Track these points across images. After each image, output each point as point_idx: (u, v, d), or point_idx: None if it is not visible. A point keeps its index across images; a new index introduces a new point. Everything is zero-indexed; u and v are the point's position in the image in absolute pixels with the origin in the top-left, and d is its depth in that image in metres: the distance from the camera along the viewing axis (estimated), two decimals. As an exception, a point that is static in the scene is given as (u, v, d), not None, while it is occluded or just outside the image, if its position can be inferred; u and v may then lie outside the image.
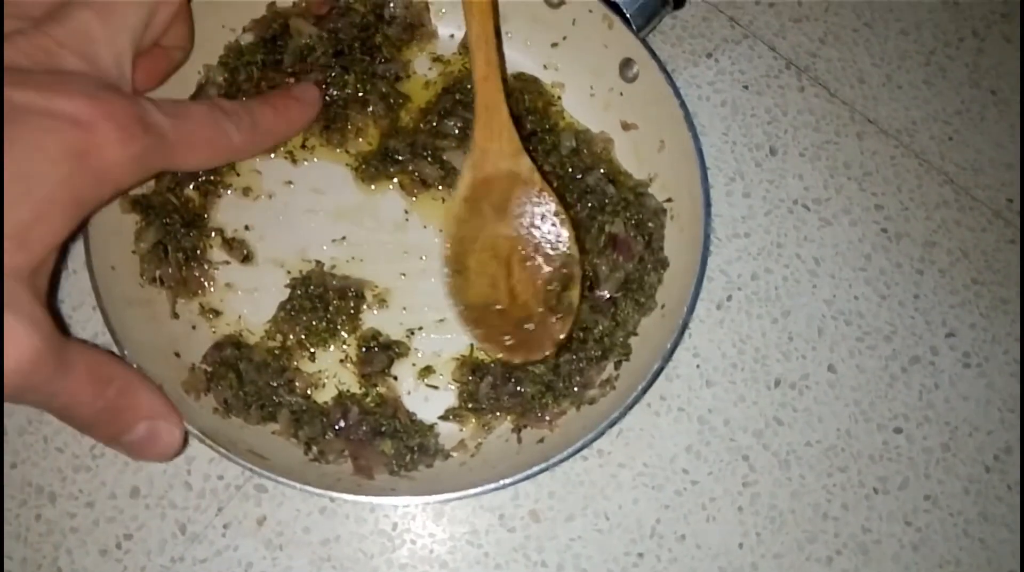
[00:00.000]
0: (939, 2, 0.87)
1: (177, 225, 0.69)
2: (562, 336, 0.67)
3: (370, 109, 0.74)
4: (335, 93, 0.73)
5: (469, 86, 0.71)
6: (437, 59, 0.77)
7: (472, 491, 0.61)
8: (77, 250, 0.70)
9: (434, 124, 0.74)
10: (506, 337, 0.67)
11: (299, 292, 0.70)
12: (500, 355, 0.68)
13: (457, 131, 0.73)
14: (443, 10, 0.77)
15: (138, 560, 0.65)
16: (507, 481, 0.60)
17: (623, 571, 0.67)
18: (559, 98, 0.77)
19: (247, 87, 0.72)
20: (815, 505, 0.70)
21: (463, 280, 0.68)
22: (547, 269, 0.68)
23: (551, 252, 0.68)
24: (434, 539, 0.67)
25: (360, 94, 0.74)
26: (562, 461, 0.61)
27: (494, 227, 0.68)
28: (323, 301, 0.70)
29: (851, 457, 0.71)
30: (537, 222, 0.68)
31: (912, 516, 0.70)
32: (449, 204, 0.69)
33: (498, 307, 0.68)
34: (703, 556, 0.68)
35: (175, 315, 0.69)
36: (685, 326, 0.64)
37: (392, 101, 0.75)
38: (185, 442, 0.58)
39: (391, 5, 0.75)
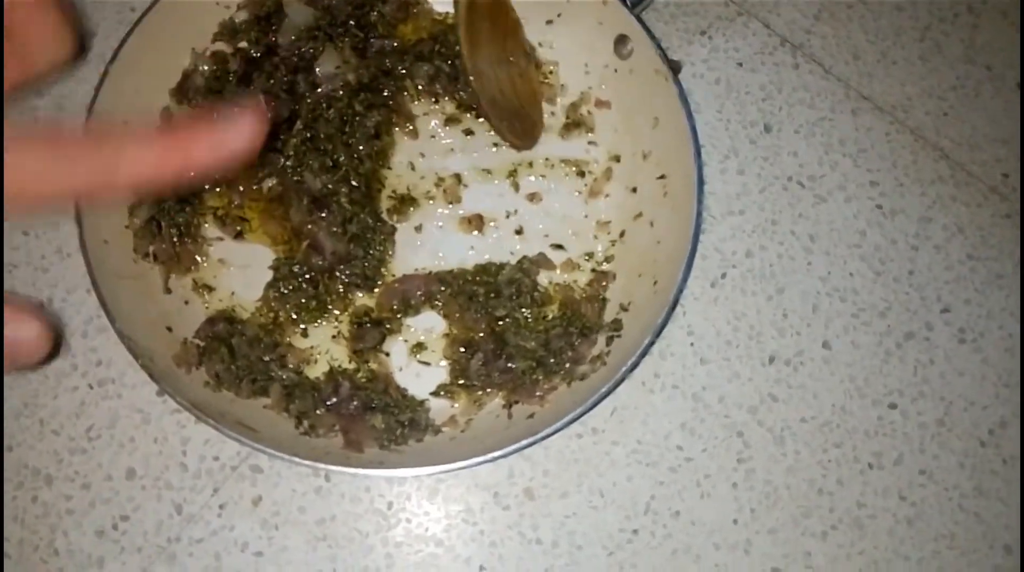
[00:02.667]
0: (934, -23, 0.86)
1: (171, 201, 0.69)
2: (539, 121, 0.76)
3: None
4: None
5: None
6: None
7: (461, 464, 0.61)
8: (71, 231, 0.70)
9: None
10: (515, 124, 0.73)
11: (284, 272, 0.70)
12: (513, 141, 0.74)
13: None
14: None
15: (135, 540, 0.65)
16: (496, 454, 0.61)
17: (618, 547, 0.67)
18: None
19: (230, 90, 0.72)
20: (810, 481, 0.70)
21: (480, 79, 0.71)
22: (516, 69, 0.74)
23: (516, 55, 0.75)
24: (429, 517, 0.67)
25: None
26: (551, 435, 0.61)
27: (482, 35, 0.71)
28: (311, 281, 0.70)
29: (846, 433, 0.71)
30: (505, 31, 0.74)
31: (907, 491, 0.71)
32: (457, 22, 0.70)
33: (500, 101, 0.72)
34: (698, 532, 0.68)
35: (168, 290, 0.69)
36: (676, 302, 0.64)
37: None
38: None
39: None
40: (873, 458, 0.71)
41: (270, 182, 0.72)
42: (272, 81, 0.73)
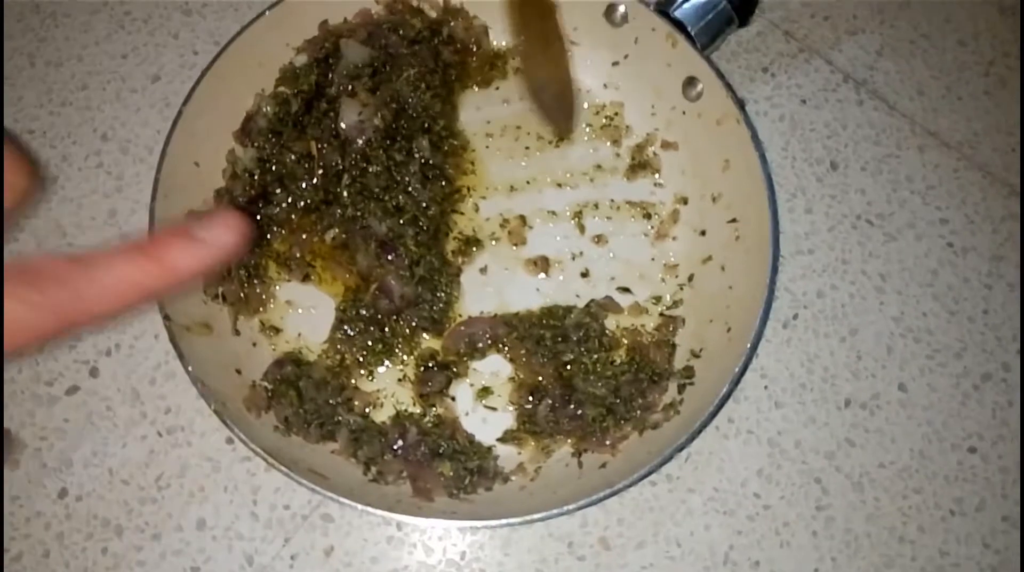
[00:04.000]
0: (996, 12, 0.85)
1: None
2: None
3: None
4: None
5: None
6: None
7: (535, 516, 0.60)
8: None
9: None
10: (556, 107, 0.74)
11: (350, 314, 0.70)
12: (557, 124, 0.75)
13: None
14: (503, 33, 0.77)
15: (206, 593, 0.64)
16: (570, 507, 0.59)
17: (697, 599, 0.66)
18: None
19: (288, 133, 0.72)
20: (891, 528, 0.68)
21: (528, 62, 0.73)
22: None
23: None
24: (503, 568, 0.66)
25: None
26: (627, 487, 0.60)
27: (533, 18, 0.72)
28: (377, 323, 0.70)
29: (926, 478, 0.70)
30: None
31: (990, 538, 0.69)
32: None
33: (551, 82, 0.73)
34: (778, 582, 0.66)
35: (236, 332, 0.68)
36: (754, 349, 0.63)
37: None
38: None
39: (451, 24, 0.75)
40: (954, 504, 0.69)
41: (332, 232, 0.71)
42: (322, 128, 0.72)
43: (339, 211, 0.71)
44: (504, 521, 0.60)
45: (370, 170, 0.71)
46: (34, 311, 0.37)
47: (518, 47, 0.76)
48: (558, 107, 0.74)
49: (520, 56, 0.75)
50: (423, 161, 0.72)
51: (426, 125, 0.73)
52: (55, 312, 0.38)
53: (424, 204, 0.71)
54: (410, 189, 0.71)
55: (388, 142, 0.71)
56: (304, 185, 0.71)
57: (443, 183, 0.73)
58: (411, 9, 0.76)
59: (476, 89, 0.78)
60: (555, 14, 0.74)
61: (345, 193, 0.71)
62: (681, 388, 0.68)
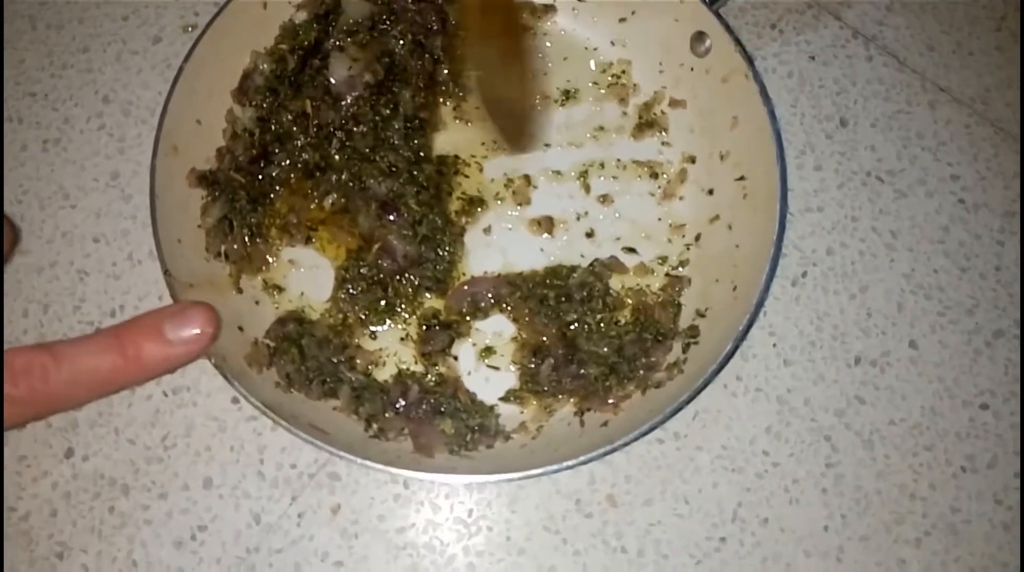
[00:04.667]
0: (1009, -35, 0.84)
1: (243, 201, 0.68)
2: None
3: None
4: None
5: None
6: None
7: (535, 471, 0.59)
8: (142, 238, 0.70)
9: None
10: (512, 125, 0.70)
11: (352, 273, 0.69)
12: (510, 142, 0.72)
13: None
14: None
15: (213, 551, 0.64)
16: (570, 462, 0.59)
17: (705, 556, 0.65)
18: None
19: (284, 93, 0.72)
20: (901, 485, 0.68)
21: (487, 77, 0.68)
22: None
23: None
24: (510, 525, 0.66)
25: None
26: (626, 444, 0.59)
27: (496, 31, 0.67)
28: (380, 282, 0.69)
29: (937, 435, 0.69)
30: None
31: (1002, 494, 0.68)
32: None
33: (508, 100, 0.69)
34: (787, 540, 0.66)
35: (239, 290, 0.68)
36: (759, 308, 0.62)
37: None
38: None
39: None
40: (966, 461, 0.69)
41: (331, 198, 0.71)
42: (315, 85, 0.72)
43: (335, 176, 0.71)
44: (503, 476, 0.59)
45: (356, 130, 0.71)
46: (12, 405, 0.40)
47: (474, 56, 0.71)
48: (514, 127, 0.71)
49: (476, 65, 0.70)
50: (405, 115, 0.72)
51: (410, 78, 0.72)
52: (30, 405, 0.41)
53: (412, 159, 0.71)
54: (394, 142, 0.71)
55: (376, 97, 0.71)
56: (300, 143, 0.71)
57: (424, 137, 0.73)
58: (413, -35, 0.75)
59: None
60: (520, 29, 0.73)
61: (337, 156, 0.71)
62: (686, 347, 0.67)
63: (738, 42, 0.67)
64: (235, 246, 0.68)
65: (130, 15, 0.78)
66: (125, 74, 0.76)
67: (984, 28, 0.82)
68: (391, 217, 0.70)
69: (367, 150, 0.71)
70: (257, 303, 0.69)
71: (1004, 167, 0.77)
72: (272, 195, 0.71)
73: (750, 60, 0.67)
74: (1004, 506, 0.68)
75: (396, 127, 0.72)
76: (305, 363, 0.66)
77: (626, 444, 0.59)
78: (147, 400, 0.67)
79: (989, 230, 0.75)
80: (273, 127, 0.71)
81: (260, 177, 0.70)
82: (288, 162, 0.71)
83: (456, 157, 0.74)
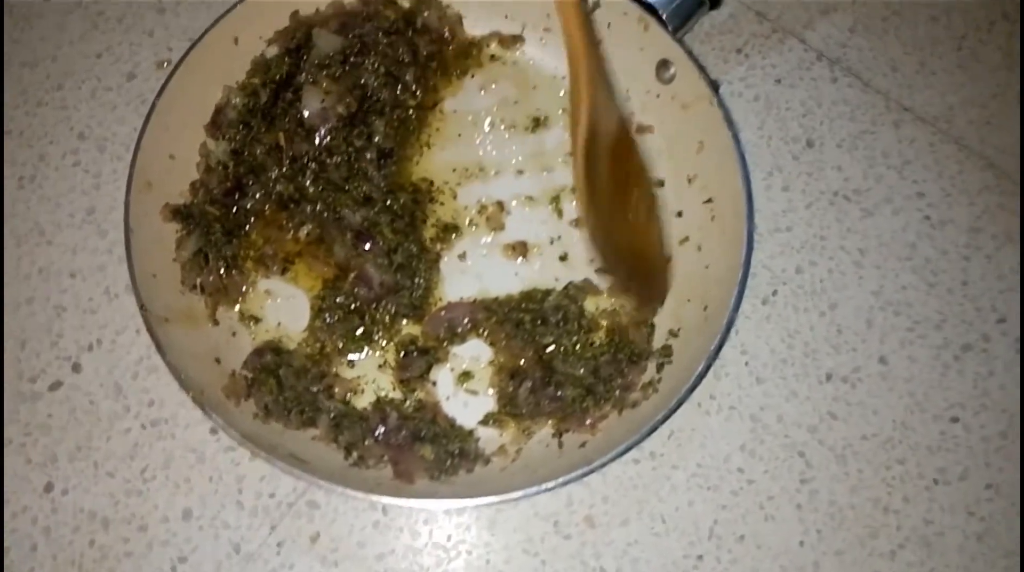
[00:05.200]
0: (968, -14, 0.86)
1: (218, 234, 0.69)
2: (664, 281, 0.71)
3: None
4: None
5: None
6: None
7: (514, 494, 0.60)
8: (119, 273, 0.70)
9: None
10: (634, 282, 0.69)
11: (329, 302, 0.70)
12: (637, 302, 0.69)
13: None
14: (477, 21, 0.77)
15: (193, 583, 0.65)
16: (549, 484, 0.60)
17: (683, 574, 0.66)
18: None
19: (256, 126, 0.72)
20: (875, 500, 0.68)
21: (599, 235, 0.66)
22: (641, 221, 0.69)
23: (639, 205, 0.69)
24: (490, 549, 0.66)
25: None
26: (604, 465, 0.60)
27: (603, 182, 0.65)
28: (357, 310, 0.70)
29: (909, 449, 0.70)
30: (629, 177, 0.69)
31: (975, 506, 0.69)
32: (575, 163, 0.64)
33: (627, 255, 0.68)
34: (763, 556, 0.67)
35: (215, 322, 0.69)
36: (729, 327, 0.63)
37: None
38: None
39: (424, 14, 0.75)
40: (938, 474, 0.69)
41: (305, 229, 0.72)
42: (288, 118, 0.73)
43: (309, 207, 0.72)
44: (483, 500, 0.60)
45: (330, 162, 0.72)
46: None
47: (587, 204, 0.65)
48: (643, 281, 0.69)
49: (587, 212, 0.65)
50: (379, 146, 0.73)
51: (383, 109, 0.73)
52: None
53: (385, 188, 0.72)
54: (369, 172, 0.72)
55: (349, 129, 0.72)
56: (274, 175, 0.72)
57: (394, 167, 0.74)
58: (384, 0, 0.76)
59: (454, 79, 0.78)
60: (637, 153, 0.68)
61: (311, 188, 0.72)
62: (660, 367, 0.68)
63: (702, 69, 0.69)
64: (211, 278, 0.69)
65: (104, 52, 0.79)
66: (100, 110, 0.77)
67: (946, 48, 0.83)
68: (366, 246, 0.71)
69: (341, 180, 0.72)
70: (234, 334, 0.69)
71: (968, 184, 0.78)
72: (247, 227, 0.72)
73: (715, 87, 0.69)
74: (976, 517, 0.68)
75: (370, 157, 0.73)
76: (283, 393, 0.66)
77: (604, 464, 0.60)
78: (125, 433, 0.68)
79: (955, 245, 0.76)
80: (247, 160, 0.72)
81: (235, 209, 0.71)
82: (262, 194, 0.72)
83: (431, 183, 0.75)
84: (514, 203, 0.75)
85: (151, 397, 0.69)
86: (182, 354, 0.63)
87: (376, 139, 0.73)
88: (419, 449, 0.66)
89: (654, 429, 0.60)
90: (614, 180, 0.66)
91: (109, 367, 0.70)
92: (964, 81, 0.82)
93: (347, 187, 0.72)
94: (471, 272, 0.73)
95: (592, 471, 0.60)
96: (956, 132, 0.80)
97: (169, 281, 0.67)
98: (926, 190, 0.78)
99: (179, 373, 0.60)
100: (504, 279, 0.73)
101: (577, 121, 0.62)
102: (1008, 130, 0.80)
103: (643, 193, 0.70)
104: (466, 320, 0.71)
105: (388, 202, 0.72)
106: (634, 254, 0.69)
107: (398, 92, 0.75)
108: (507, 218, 0.75)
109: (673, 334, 0.69)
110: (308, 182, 0.72)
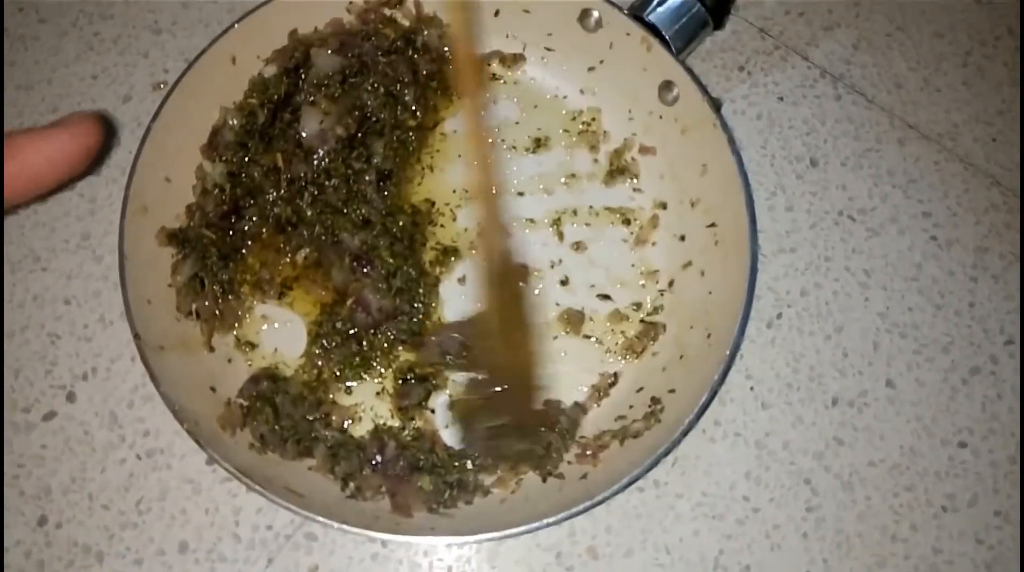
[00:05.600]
0: (972, 1, 0.85)
1: (214, 257, 0.68)
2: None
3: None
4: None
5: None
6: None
7: (513, 531, 0.59)
8: (114, 299, 0.69)
9: None
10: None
11: (326, 328, 0.69)
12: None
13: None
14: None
15: (190, 617, 0.63)
16: (549, 520, 0.59)
17: (688, 606, 0.65)
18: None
19: (254, 147, 0.71)
20: (882, 527, 0.67)
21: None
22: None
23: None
24: (491, 581, 0.65)
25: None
26: (606, 499, 0.59)
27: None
28: (355, 336, 0.69)
29: (916, 475, 0.69)
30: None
31: (984, 533, 0.68)
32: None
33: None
34: (770, 586, 0.65)
35: (211, 348, 0.68)
36: (732, 358, 0.62)
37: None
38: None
39: (424, 33, 0.74)
40: (946, 500, 0.68)
41: (303, 252, 0.71)
42: (286, 139, 0.72)
43: (306, 231, 0.71)
44: (483, 536, 0.59)
45: (328, 184, 0.71)
46: None
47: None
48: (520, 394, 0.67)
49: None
50: (378, 168, 0.72)
51: (383, 130, 0.72)
52: None
53: (384, 211, 0.71)
54: (368, 195, 0.71)
55: (348, 150, 0.71)
56: (271, 198, 0.71)
57: (394, 188, 0.73)
58: (383, 19, 0.75)
59: (455, 99, 0.77)
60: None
61: (309, 211, 0.71)
62: (656, 400, 0.67)
63: (705, 91, 0.68)
64: (207, 304, 0.67)
65: (99, 74, 0.78)
66: (95, 133, 0.76)
67: (951, 64, 0.82)
68: (365, 270, 0.70)
69: (340, 203, 0.71)
70: (229, 361, 0.68)
71: (974, 202, 0.77)
72: (244, 250, 0.71)
73: (717, 109, 0.68)
74: (985, 546, 0.67)
75: (369, 179, 0.72)
76: (279, 422, 0.65)
77: (605, 499, 0.59)
78: (121, 464, 0.67)
79: (962, 266, 0.75)
80: (244, 182, 0.71)
81: (231, 232, 0.70)
82: (259, 217, 0.71)
83: (432, 204, 0.74)
84: (514, 225, 0.74)
85: (146, 426, 0.68)
86: (177, 383, 0.62)
87: (375, 161, 0.72)
88: (417, 480, 0.64)
89: (656, 463, 0.59)
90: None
91: (104, 396, 0.68)
92: (969, 98, 0.81)
93: (345, 210, 0.71)
94: (471, 296, 0.72)
95: (593, 506, 0.58)
96: (961, 150, 0.79)
97: (164, 307, 0.66)
98: (932, 209, 0.77)
99: (173, 404, 0.59)
100: (505, 303, 0.72)
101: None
102: (1014, 147, 0.79)
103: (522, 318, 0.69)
104: (457, 342, 0.70)
105: (387, 225, 0.71)
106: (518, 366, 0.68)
107: (398, 112, 0.74)
108: (507, 241, 0.73)
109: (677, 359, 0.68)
110: (306, 205, 0.71)
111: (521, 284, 0.71)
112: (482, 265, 0.68)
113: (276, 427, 0.65)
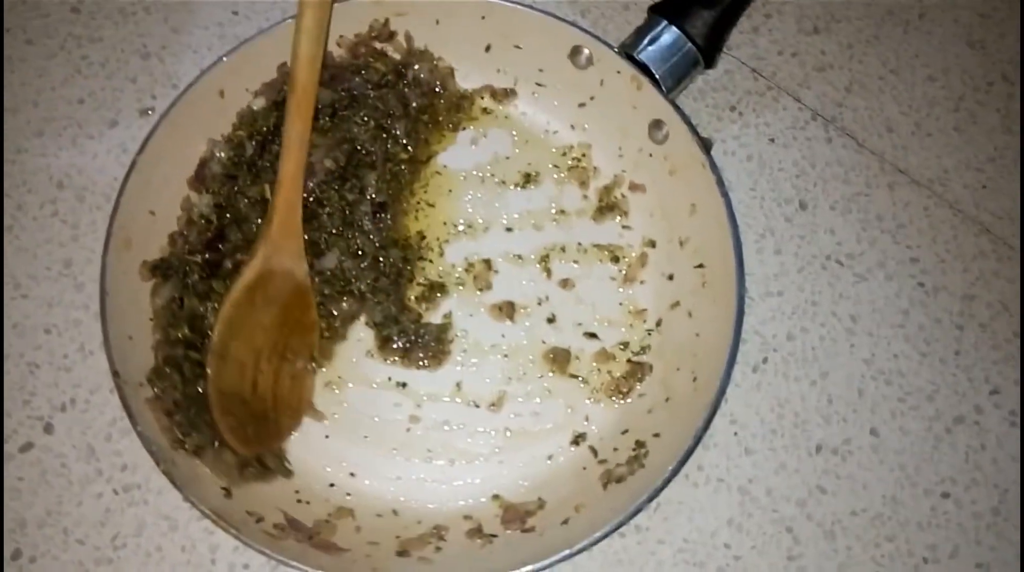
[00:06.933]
0: (965, 46, 0.85)
1: (195, 277, 0.67)
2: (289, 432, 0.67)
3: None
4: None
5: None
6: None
7: None
8: (94, 329, 0.68)
9: None
10: (247, 428, 0.65)
11: None
12: (237, 448, 0.64)
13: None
14: (468, 74, 0.76)
15: (163, 657, 0.63)
16: (529, 569, 0.58)
17: (667, 654, 0.64)
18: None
19: (242, 179, 0.71)
20: (864, 578, 0.67)
21: (221, 364, 0.64)
22: (288, 368, 0.67)
23: (296, 355, 0.68)
24: (469, 626, 0.64)
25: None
26: (587, 548, 0.59)
27: (259, 318, 0.66)
28: None
29: (898, 525, 0.69)
30: (294, 325, 0.68)
31: (965, 586, 0.68)
32: (231, 290, 0.66)
33: (242, 397, 0.65)
34: (750, 636, 0.65)
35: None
36: (718, 404, 0.62)
37: None
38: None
39: (415, 67, 0.74)
40: (928, 552, 0.68)
41: None
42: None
43: None
44: None
45: (322, 212, 0.70)
46: None
47: (219, 339, 0.65)
48: (249, 430, 0.65)
49: (214, 353, 0.64)
50: (372, 200, 0.71)
51: (374, 162, 0.72)
52: None
53: (377, 243, 0.70)
54: (364, 227, 0.70)
55: (341, 182, 0.70)
56: (256, 227, 0.70)
57: (391, 221, 0.72)
58: (374, 52, 0.75)
59: (447, 132, 0.77)
60: (312, 336, 0.69)
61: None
62: (640, 444, 0.66)
63: (695, 132, 0.68)
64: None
65: (86, 98, 0.77)
66: (80, 158, 0.75)
67: (943, 109, 0.82)
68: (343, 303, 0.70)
69: (335, 230, 0.71)
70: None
71: (963, 249, 0.77)
72: (226, 280, 0.70)
73: (707, 150, 0.67)
74: (967, 598, 0.67)
75: (364, 210, 0.71)
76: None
77: (586, 548, 0.59)
78: (97, 498, 0.66)
79: (949, 314, 0.75)
80: (229, 214, 0.70)
81: (213, 261, 0.69)
82: (244, 242, 0.70)
83: (422, 238, 0.74)
84: (502, 261, 0.74)
85: (124, 461, 0.67)
86: (154, 422, 0.61)
87: (369, 193, 0.72)
88: None
89: (638, 511, 0.59)
90: (277, 322, 0.67)
91: (82, 428, 0.68)
92: (960, 144, 0.81)
93: (339, 242, 0.71)
94: (457, 332, 0.72)
95: (575, 554, 0.58)
96: (951, 196, 0.79)
97: (145, 342, 0.65)
98: (920, 255, 0.77)
99: (151, 444, 0.59)
100: (490, 341, 0.71)
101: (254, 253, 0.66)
102: (1005, 195, 0.79)
103: (302, 345, 0.68)
104: None
105: (378, 257, 0.71)
106: (270, 396, 0.67)
107: (388, 146, 0.73)
108: (494, 277, 0.73)
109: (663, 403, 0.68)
110: None
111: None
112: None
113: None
